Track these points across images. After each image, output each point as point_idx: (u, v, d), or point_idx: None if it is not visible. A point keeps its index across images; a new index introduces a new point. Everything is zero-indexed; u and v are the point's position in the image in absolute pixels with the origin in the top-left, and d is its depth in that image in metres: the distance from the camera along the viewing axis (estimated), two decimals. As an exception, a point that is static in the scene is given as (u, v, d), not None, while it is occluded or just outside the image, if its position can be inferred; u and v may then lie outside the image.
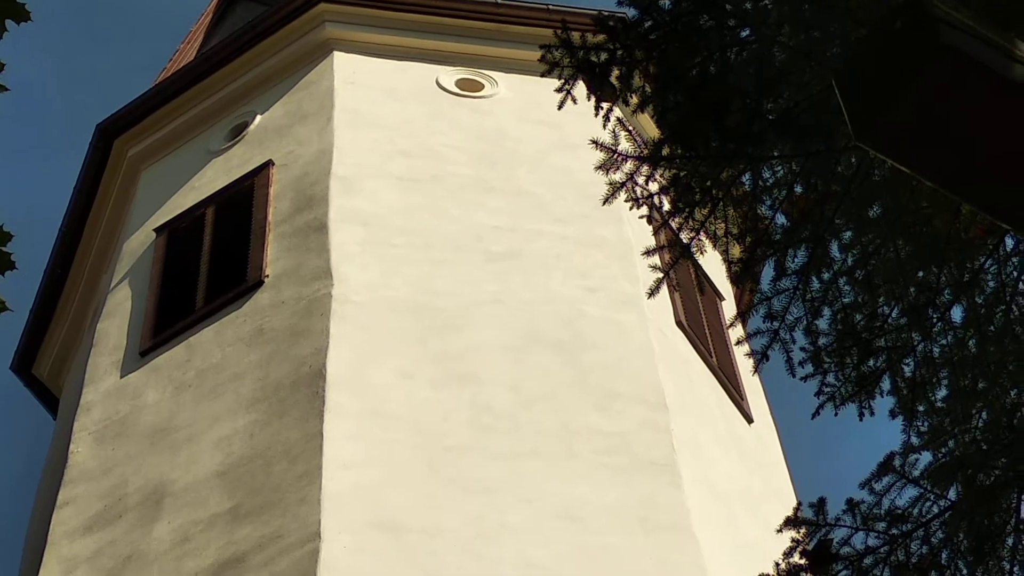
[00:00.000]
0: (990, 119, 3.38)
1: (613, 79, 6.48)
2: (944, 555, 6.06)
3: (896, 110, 3.41)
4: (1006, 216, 3.58)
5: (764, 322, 6.35)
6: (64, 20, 33.07)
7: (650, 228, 7.66)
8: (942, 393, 6.41)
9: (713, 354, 12.88)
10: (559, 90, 6.56)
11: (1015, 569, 5.99)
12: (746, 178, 6.22)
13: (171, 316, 12.55)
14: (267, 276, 12.08)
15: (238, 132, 14.31)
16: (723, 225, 6.26)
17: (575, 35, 6.44)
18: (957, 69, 3.35)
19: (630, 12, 6.25)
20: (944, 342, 6.35)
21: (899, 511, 6.09)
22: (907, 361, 6.38)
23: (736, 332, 9.94)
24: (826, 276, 6.36)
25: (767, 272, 6.54)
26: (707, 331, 13.08)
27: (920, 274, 6.26)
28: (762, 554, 6.97)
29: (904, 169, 3.57)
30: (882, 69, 3.44)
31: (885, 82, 3.44)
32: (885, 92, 3.43)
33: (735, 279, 6.45)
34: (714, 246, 6.49)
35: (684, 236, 6.48)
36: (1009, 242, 6.22)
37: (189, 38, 18.30)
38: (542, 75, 6.69)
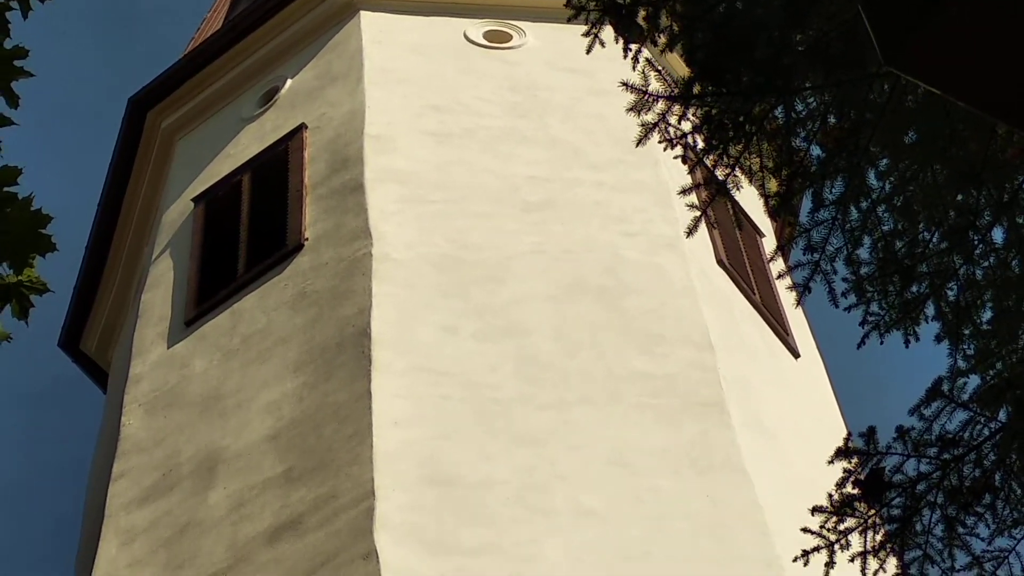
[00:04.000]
0: (1019, 35, 3.36)
1: (640, 20, 6.46)
2: (997, 477, 6.05)
3: (924, 31, 3.39)
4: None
5: (804, 255, 6.34)
6: (88, 6, 33.10)
7: (686, 169, 7.65)
8: (987, 315, 6.39)
9: (756, 291, 12.86)
10: (586, 34, 6.54)
11: (1069, 487, 5.98)
12: (779, 111, 6.19)
13: (214, 284, 12.60)
14: (307, 239, 12.11)
15: (269, 97, 14.33)
16: (758, 160, 6.24)
17: (600, -23, 6.41)
18: (983, -15, 3.33)
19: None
20: (986, 264, 6.33)
21: (950, 435, 6.08)
22: (950, 285, 6.35)
23: (777, 267, 9.92)
24: (864, 205, 6.34)
25: (805, 204, 6.52)
26: (748, 268, 13.05)
27: (959, 197, 6.23)
28: (816, 487, 6.97)
29: (935, 91, 3.55)
30: (908, -9, 3.42)
31: (912, 4, 3.41)
32: (912, 14, 3.41)
33: (773, 213, 6.44)
34: (750, 181, 6.47)
35: (719, 173, 6.46)
36: (1047, 160, 6.17)
37: (216, 7, 18.31)
38: (568, 20, 6.69)
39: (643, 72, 6.28)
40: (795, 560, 6.46)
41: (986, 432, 6.03)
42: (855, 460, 6.24)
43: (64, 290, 15.32)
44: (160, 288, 13.09)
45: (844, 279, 6.38)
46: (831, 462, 6.34)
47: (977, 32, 3.40)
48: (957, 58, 3.44)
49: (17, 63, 5.36)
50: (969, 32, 3.40)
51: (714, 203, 6.72)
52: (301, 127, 13.41)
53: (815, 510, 6.28)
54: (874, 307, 6.39)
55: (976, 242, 6.26)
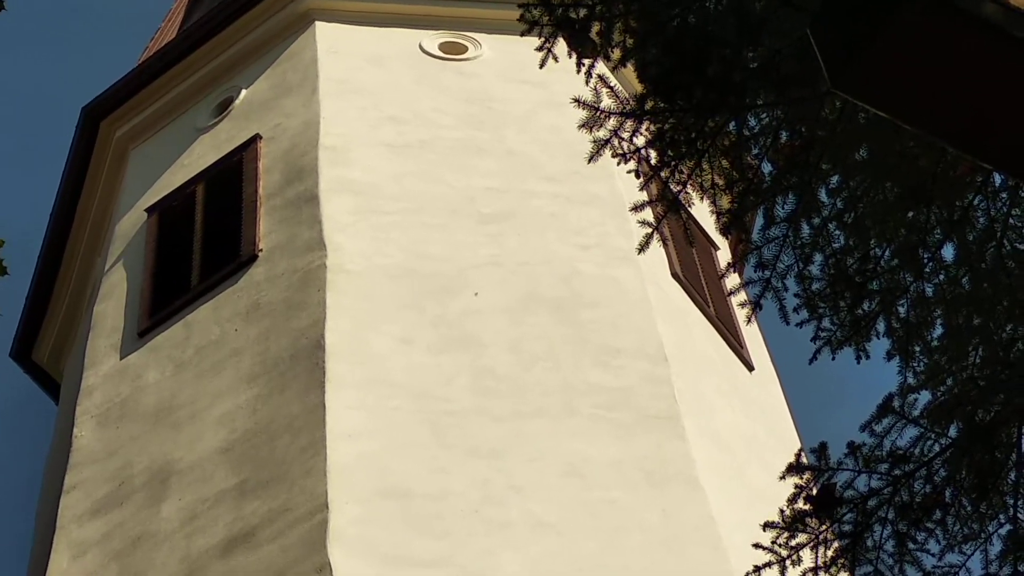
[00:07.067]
0: (963, 59, 3.38)
1: (593, 35, 6.46)
2: (948, 493, 6.08)
3: (869, 55, 3.41)
4: (984, 154, 3.57)
5: (755, 271, 6.35)
6: (40, 17, 32.87)
7: (639, 184, 7.65)
8: (937, 332, 6.42)
9: (711, 304, 12.88)
10: (540, 48, 6.54)
11: (1018, 503, 6.01)
12: (731, 127, 6.20)
13: (167, 295, 12.54)
14: (261, 250, 12.07)
15: (224, 108, 14.28)
16: (710, 176, 6.25)
17: (554, -8, 6.42)
18: (928, 10, 3.34)
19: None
20: (937, 281, 6.36)
21: (901, 451, 6.10)
22: (901, 302, 6.38)
23: (732, 281, 9.94)
24: (816, 221, 6.36)
25: (758, 221, 6.53)
26: (703, 281, 13.07)
27: (910, 214, 6.26)
28: (770, 501, 6.98)
29: (881, 114, 3.56)
30: (855, 15, 3.43)
31: (858, 28, 3.43)
32: (858, 38, 3.42)
33: (723, 230, 6.44)
34: (702, 198, 6.48)
35: (672, 188, 6.47)
36: (997, 178, 6.21)
37: (169, 16, 18.25)
38: (522, 34, 6.69)
39: (595, 88, 6.28)
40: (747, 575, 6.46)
41: (936, 448, 6.06)
42: (806, 476, 6.25)
43: (16, 301, 15.24)
44: (113, 299, 13.03)
45: (796, 295, 6.40)
46: (783, 478, 6.36)
47: (922, 56, 3.42)
48: (903, 82, 3.45)
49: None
50: (914, 57, 3.42)
51: (667, 218, 6.73)
52: (255, 138, 13.37)
53: (767, 526, 6.29)
54: (825, 323, 6.41)
55: (926, 259, 6.29)
